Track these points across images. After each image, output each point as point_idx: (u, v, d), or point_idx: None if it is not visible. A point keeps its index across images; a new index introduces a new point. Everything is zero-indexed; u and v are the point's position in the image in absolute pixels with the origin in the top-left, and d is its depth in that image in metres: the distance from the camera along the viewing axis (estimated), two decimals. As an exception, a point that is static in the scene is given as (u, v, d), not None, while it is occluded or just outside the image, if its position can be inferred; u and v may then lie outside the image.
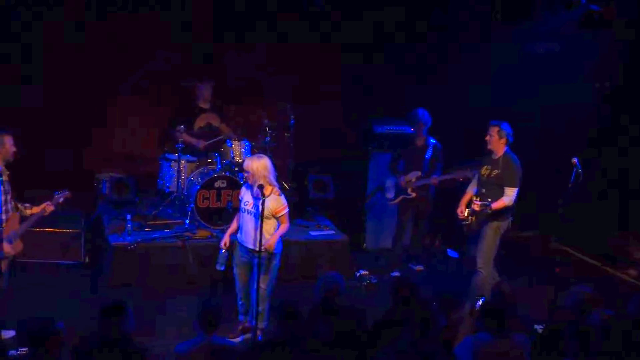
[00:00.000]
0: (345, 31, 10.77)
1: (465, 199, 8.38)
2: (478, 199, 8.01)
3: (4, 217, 7.17)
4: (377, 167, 10.46)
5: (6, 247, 7.15)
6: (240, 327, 7.70)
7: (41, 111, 9.86)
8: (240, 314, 7.72)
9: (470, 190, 8.44)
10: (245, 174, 7.37)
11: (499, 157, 8.13)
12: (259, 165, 7.23)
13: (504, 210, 8.07)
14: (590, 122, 9.87)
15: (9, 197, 7.25)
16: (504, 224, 8.22)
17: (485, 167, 8.23)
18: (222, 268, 7.59)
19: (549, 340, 5.72)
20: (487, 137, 8.14)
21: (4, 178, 7.17)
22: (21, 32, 9.78)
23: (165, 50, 10.50)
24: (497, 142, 8.10)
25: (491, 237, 8.19)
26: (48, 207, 7.38)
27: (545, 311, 7.73)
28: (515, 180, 8.05)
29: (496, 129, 8.08)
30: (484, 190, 8.18)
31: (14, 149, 7.24)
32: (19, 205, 7.40)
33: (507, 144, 8.12)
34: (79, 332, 6.09)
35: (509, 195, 8.01)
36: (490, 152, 8.22)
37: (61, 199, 7.44)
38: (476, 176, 8.42)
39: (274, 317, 6.00)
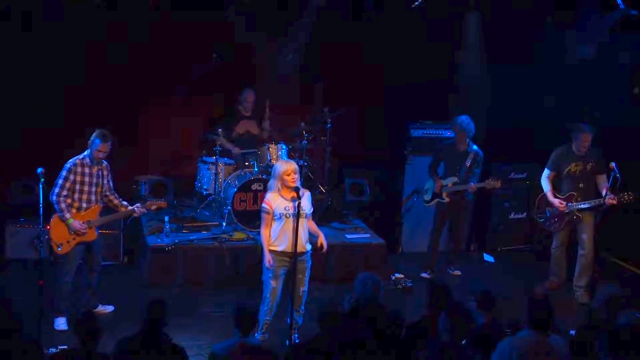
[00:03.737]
0: (388, 33, 10.39)
1: (553, 198, 8.75)
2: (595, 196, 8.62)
3: (84, 205, 7.61)
4: (413, 171, 10.42)
5: (75, 224, 7.53)
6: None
7: (82, 110, 9.73)
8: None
9: (551, 188, 8.80)
10: (290, 176, 7.08)
11: (586, 151, 8.60)
12: (296, 167, 7.24)
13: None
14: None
15: (96, 189, 7.67)
16: None
17: (573, 164, 8.67)
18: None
19: (583, 343, 5.67)
20: (586, 144, 8.54)
21: (93, 170, 7.62)
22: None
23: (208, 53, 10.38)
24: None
25: (594, 222, 8.74)
26: (138, 209, 7.85)
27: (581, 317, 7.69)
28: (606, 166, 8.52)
29: (591, 135, 8.54)
30: (581, 185, 8.68)
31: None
32: (116, 201, 7.88)
33: None
34: (117, 331, 6.18)
35: (607, 180, 8.49)
36: (571, 151, 8.66)
37: (154, 207, 7.97)
38: (548, 175, 8.83)
39: (314, 319, 5.99)
